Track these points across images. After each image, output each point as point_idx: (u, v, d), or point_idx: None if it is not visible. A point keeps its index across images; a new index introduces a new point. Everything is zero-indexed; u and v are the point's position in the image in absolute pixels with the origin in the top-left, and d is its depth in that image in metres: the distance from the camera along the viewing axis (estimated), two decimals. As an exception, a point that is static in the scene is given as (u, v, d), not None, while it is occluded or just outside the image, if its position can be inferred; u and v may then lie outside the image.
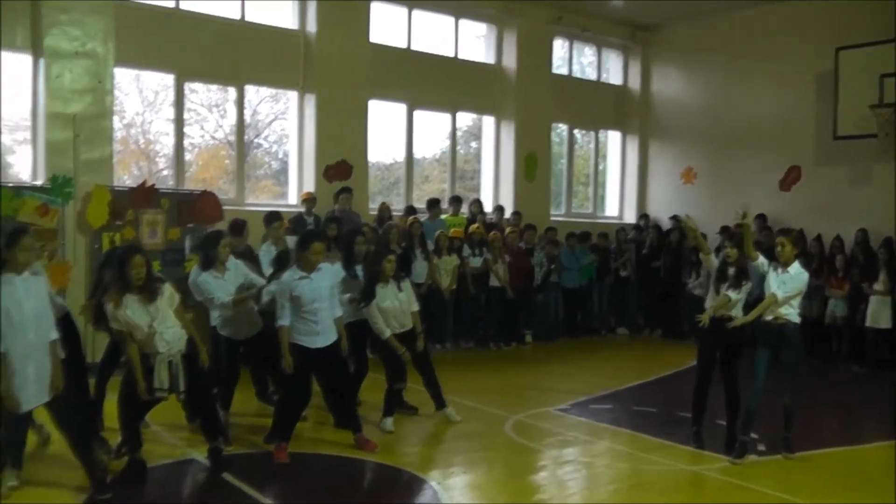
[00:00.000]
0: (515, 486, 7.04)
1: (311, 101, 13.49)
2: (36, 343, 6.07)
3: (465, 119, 16.54)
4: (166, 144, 12.88)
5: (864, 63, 13.91)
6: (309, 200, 12.73)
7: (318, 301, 7.56)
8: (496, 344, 13.97)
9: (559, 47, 17.49)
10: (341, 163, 13.51)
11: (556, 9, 16.35)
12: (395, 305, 8.57)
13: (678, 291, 15.02)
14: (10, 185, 10.70)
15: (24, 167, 11.33)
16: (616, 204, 18.80)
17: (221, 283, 8.07)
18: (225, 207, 12.14)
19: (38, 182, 10.93)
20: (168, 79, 12.53)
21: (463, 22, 15.89)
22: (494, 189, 16.44)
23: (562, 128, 17.78)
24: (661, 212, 17.42)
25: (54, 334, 6.29)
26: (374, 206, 13.91)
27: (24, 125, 11.31)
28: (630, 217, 18.32)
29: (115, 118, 11.90)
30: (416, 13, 15.07)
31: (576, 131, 18.12)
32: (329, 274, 7.81)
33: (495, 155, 16.45)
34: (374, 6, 14.12)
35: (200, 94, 13.27)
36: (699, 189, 17.12)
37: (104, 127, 11.38)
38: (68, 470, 6.72)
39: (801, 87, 15.39)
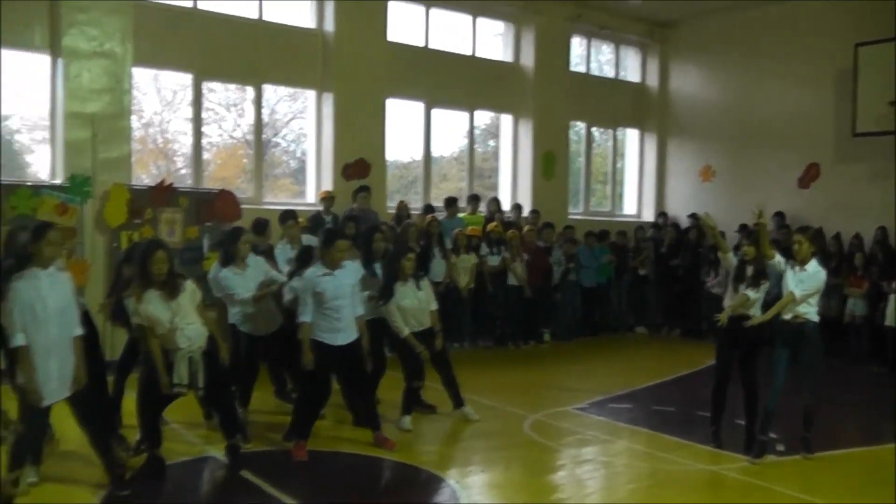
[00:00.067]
0: (534, 486, 7.03)
1: (328, 100, 13.50)
2: (59, 338, 6.08)
3: (483, 117, 16.51)
4: (184, 143, 12.92)
5: (884, 58, 13.80)
6: (327, 199, 12.75)
7: (341, 298, 7.57)
8: (514, 342, 13.96)
9: (577, 45, 17.47)
10: (359, 161, 13.51)
11: (575, 7, 16.31)
12: (415, 304, 8.57)
13: (697, 290, 14.96)
14: (29, 183, 10.77)
15: (42, 166, 11.37)
16: (634, 202, 18.76)
17: (242, 280, 8.07)
18: (243, 206, 12.18)
19: (57, 181, 10.99)
20: (186, 78, 12.56)
21: (480, 20, 15.88)
22: (512, 187, 16.42)
23: (580, 126, 17.73)
24: (680, 210, 17.37)
25: (79, 330, 6.31)
26: (392, 205, 13.93)
27: (42, 125, 11.37)
28: (648, 215, 18.26)
29: (134, 117, 11.95)
30: (434, 11, 15.06)
31: (594, 129, 18.06)
32: (352, 271, 7.83)
33: (513, 153, 16.44)
34: (391, 5, 14.11)
35: (218, 93, 13.30)
36: (717, 187, 17.05)
37: (122, 126, 11.42)
38: (87, 467, 6.77)
39: (820, 83, 15.31)
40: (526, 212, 15.50)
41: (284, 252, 9.88)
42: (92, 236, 11.11)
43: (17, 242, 6.68)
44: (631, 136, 18.75)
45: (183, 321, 6.70)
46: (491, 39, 16.41)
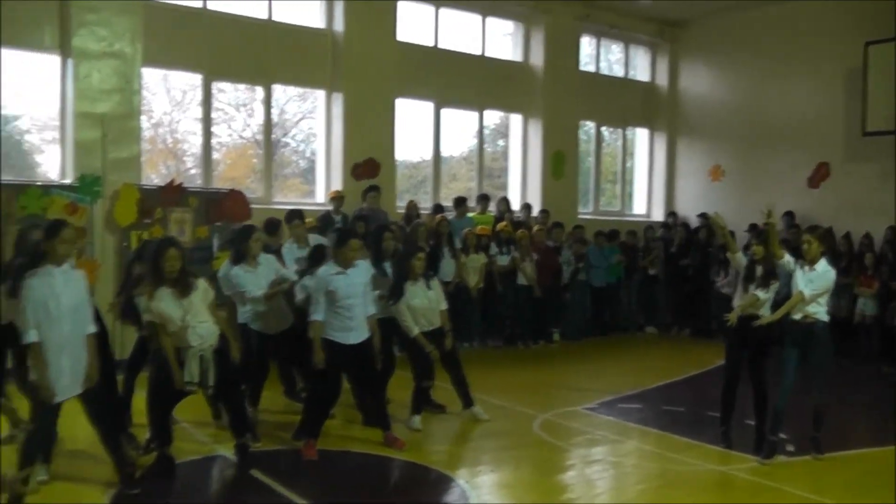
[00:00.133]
0: (543, 485, 7.03)
1: (338, 100, 13.51)
2: (71, 335, 6.09)
3: (493, 117, 16.52)
4: (194, 143, 12.95)
5: (894, 57, 13.74)
6: (337, 199, 12.77)
7: (353, 297, 7.58)
8: (524, 342, 13.95)
9: (587, 44, 17.44)
10: (369, 161, 13.51)
11: (584, 6, 16.30)
12: (425, 303, 8.57)
13: (706, 290, 14.93)
14: (39, 183, 10.80)
15: (52, 166, 11.40)
16: (644, 202, 18.73)
17: (253, 277, 8.08)
18: (253, 206, 12.20)
19: (67, 181, 11.02)
20: (196, 78, 12.59)
21: (490, 20, 15.88)
22: (522, 187, 16.41)
23: (589, 125, 17.71)
24: (690, 210, 17.33)
25: (92, 327, 6.31)
26: (401, 205, 13.93)
27: (52, 125, 11.41)
28: (658, 215, 18.23)
29: (143, 118, 11.98)
30: (444, 11, 15.07)
31: (603, 129, 18.04)
32: (364, 270, 7.83)
33: (523, 153, 16.43)
34: (401, 5, 14.12)
35: (228, 93, 13.33)
36: (727, 186, 17.01)
37: (132, 126, 11.45)
38: (97, 465, 6.78)
39: (830, 82, 15.27)
40: (535, 211, 15.50)
41: (291, 251, 9.88)
42: (102, 236, 11.13)
43: (29, 241, 6.71)
44: (641, 135, 18.72)
45: (195, 319, 6.71)
46: (500, 39, 16.41)
